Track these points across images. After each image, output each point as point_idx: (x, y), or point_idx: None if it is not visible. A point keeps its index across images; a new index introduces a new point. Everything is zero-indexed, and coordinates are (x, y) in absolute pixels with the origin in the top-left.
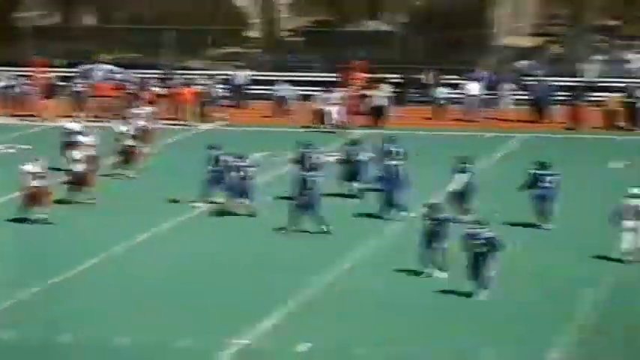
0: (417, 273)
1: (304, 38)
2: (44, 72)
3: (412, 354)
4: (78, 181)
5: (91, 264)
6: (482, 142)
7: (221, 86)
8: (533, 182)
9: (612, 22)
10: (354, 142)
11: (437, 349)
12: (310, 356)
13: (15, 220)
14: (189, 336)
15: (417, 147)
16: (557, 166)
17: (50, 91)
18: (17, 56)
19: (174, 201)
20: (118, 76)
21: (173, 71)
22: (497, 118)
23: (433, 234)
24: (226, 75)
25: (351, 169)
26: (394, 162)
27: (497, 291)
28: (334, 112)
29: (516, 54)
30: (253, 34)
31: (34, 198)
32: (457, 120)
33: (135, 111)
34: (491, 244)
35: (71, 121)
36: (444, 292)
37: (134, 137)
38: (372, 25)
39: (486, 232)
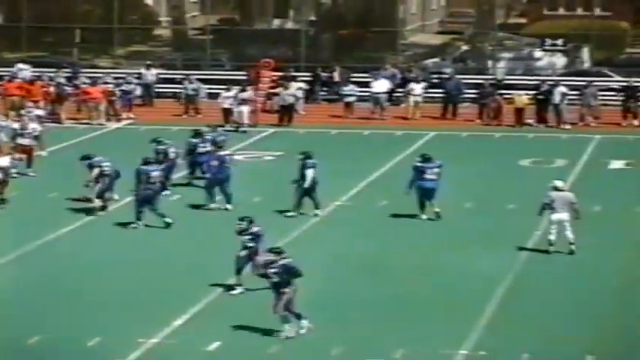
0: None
1: (212, 37)
2: None
3: (324, 352)
4: None
5: None
6: (392, 139)
7: (130, 85)
8: (418, 174)
9: (517, 21)
10: (197, 134)
11: (349, 348)
12: (220, 355)
13: None
14: (98, 335)
15: (327, 145)
16: (468, 163)
17: None
18: None
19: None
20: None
21: (80, 70)
22: (405, 117)
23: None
24: (135, 73)
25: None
26: (222, 152)
27: (402, 289)
28: (242, 110)
29: (424, 52)
30: (161, 32)
31: None
32: (366, 118)
33: (28, 111)
34: (288, 272)
35: None
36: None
37: (34, 137)
38: (279, 24)
39: (282, 260)
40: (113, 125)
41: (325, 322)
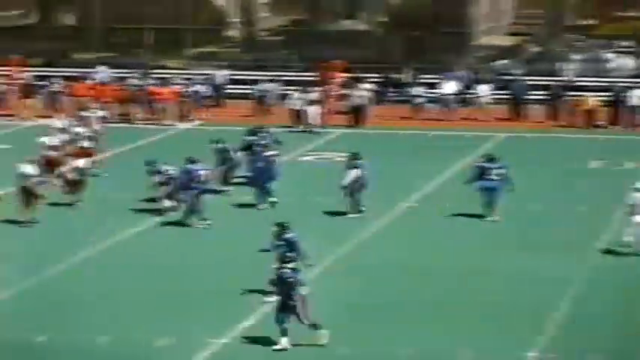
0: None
1: (282, 37)
2: (21, 71)
3: (393, 354)
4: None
5: (70, 264)
6: (462, 141)
7: (201, 86)
8: (480, 174)
9: (588, 22)
10: (253, 133)
11: (412, 350)
12: (288, 355)
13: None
14: (168, 335)
15: (395, 146)
16: (538, 165)
17: (28, 90)
18: None
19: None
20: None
21: (151, 71)
22: (475, 118)
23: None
24: (205, 74)
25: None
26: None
27: (466, 291)
28: (312, 111)
29: (494, 53)
30: (232, 33)
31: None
32: (434, 119)
33: (86, 113)
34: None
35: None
36: (415, 294)
37: (90, 138)
38: (349, 25)
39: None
40: (183, 126)
41: (392, 324)
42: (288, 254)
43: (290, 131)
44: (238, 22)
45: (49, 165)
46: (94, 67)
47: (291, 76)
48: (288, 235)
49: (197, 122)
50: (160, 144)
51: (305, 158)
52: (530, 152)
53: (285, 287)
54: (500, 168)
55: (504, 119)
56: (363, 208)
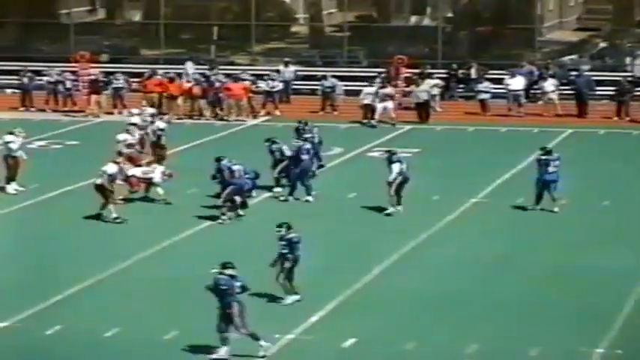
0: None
1: (349, 33)
2: (89, 68)
3: (459, 350)
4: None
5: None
6: (529, 136)
7: (270, 81)
8: (543, 167)
9: None
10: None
11: (478, 346)
12: (355, 351)
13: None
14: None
15: (463, 142)
16: (605, 160)
17: (95, 87)
18: (62, 52)
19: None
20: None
21: (218, 67)
22: (541, 114)
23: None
24: (273, 70)
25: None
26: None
27: (533, 286)
28: (383, 107)
29: (561, 49)
30: (298, 29)
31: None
32: (502, 115)
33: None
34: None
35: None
36: (484, 290)
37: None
38: (416, 20)
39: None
40: (251, 122)
41: (457, 321)
42: (288, 255)
43: (358, 126)
44: (305, 18)
45: (129, 162)
46: (160, 63)
47: (357, 71)
48: (290, 236)
49: (265, 118)
50: (228, 139)
51: (372, 154)
52: (597, 147)
53: (220, 294)
54: (556, 160)
55: (571, 115)
56: (400, 208)
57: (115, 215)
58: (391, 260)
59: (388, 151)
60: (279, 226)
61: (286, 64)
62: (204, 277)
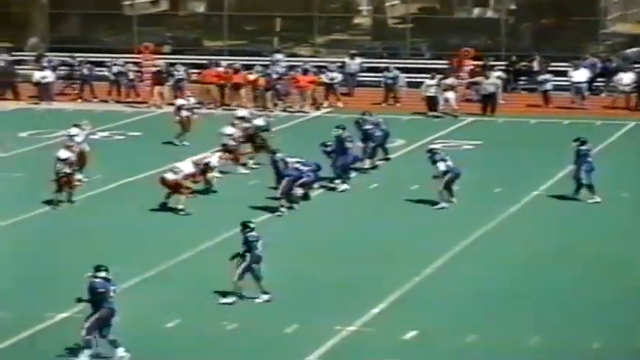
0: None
1: (412, 25)
2: (152, 59)
3: (521, 343)
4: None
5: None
6: (592, 129)
7: (333, 73)
8: (584, 157)
9: None
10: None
11: (538, 339)
12: (416, 343)
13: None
14: (296, 322)
15: (526, 134)
16: None
17: (159, 78)
18: (125, 44)
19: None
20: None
21: (280, 58)
22: (606, 106)
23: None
24: (336, 62)
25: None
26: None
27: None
28: (448, 98)
29: (625, 41)
30: (361, 20)
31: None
32: (565, 107)
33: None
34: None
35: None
36: (546, 283)
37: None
38: (479, 12)
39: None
40: (314, 113)
41: (519, 314)
42: (245, 254)
43: (420, 118)
44: (368, 10)
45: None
46: (224, 55)
47: (419, 63)
48: (247, 234)
49: (327, 110)
50: (290, 131)
51: (434, 146)
52: None
53: (95, 298)
54: (590, 150)
55: (635, 108)
56: (454, 199)
57: (181, 206)
58: (453, 252)
59: (430, 151)
60: (246, 225)
61: (352, 56)
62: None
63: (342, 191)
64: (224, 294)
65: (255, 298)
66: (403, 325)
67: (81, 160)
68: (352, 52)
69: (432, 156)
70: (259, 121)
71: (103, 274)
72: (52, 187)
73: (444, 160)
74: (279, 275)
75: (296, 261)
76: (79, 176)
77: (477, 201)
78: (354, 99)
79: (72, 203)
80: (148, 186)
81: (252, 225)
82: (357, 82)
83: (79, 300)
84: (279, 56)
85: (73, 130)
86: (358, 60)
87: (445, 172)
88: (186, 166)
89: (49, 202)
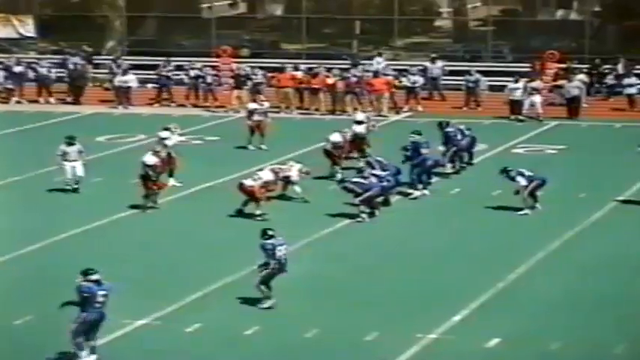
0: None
1: (493, 28)
2: (231, 63)
3: (607, 350)
4: None
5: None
6: None
7: (413, 76)
8: None
9: None
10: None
11: (624, 346)
12: (500, 351)
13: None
14: (376, 330)
15: (610, 139)
16: None
17: (237, 81)
18: (203, 47)
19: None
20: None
21: (361, 61)
22: None
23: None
24: (416, 65)
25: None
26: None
27: None
28: (534, 102)
29: None
30: (442, 23)
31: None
32: None
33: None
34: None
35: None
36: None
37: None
38: (562, 14)
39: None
40: (393, 117)
41: (604, 321)
42: (265, 261)
43: (502, 122)
44: (449, 12)
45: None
46: (302, 58)
47: (501, 66)
48: (263, 242)
49: (407, 114)
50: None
51: (517, 150)
52: None
53: (81, 301)
54: None
55: None
56: (538, 205)
57: (258, 212)
58: (536, 259)
59: (503, 171)
60: (264, 232)
61: (433, 59)
62: (333, 278)
63: (414, 198)
64: (259, 300)
65: (267, 306)
66: (485, 332)
67: (171, 164)
68: (433, 55)
69: (507, 174)
70: (360, 129)
71: (94, 277)
72: (140, 191)
73: (522, 174)
74: (359, 281)
75: (376, 267)
76: (171, 181)
77: (560, 207)
78: (435, 103)
79: (156, 207)
80: (226, 192)
81: (270, 232)
82: (443, 86)
83: (66, 304)
84: (378, 59)
85: (164, 133)
86: (440, 63)
87: (528, 184)
88: (265, 174)
89: (136, 207)
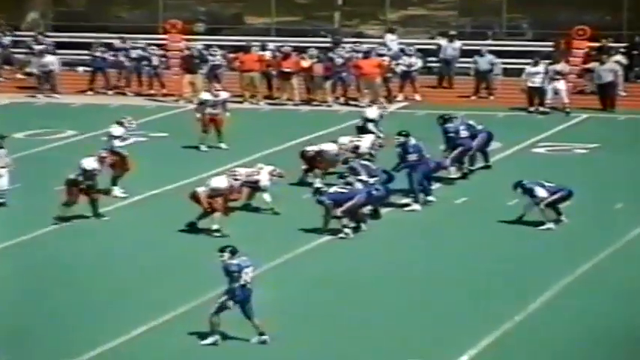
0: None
1: None
2: (181, 41)
3: None
4: None
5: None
6: None
7: (406, 58)
8: None
9: None
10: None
11: None
12: None
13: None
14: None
15: None
16: None
17: (189, 64)
18: (148, 21)
19: None
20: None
21: (343, 39)
22: None
23: None
24: (415, 43)
25: None
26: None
27: None
28: (558, 89)
29: None
30: None
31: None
32: None
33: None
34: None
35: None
36: None
37: None
38: None
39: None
40: (390, 107)
41: None
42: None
43: (520, 114)
44: None
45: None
46: (270, 35)
47: (518, 46)
48: (227, 262)
49: (401, 104)
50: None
51: (538, 150)
52: None
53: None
54: None
55: None
56: (564, 218)
57: (215, 226)
58: (563, 284)
59: (517, 185)
60: (221, 250)
61: (450, 38)
62: (307, 308)
63: (410, 210)
64: (204, 335)
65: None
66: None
67: (121, 167)
68: (451, 33)
69: (523, 188)
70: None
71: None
72: (63, 199)
73: (541, 185)
74: (340, 313)
75: (361, 295)
76: (115, 190)
77: (592, 220)
78: (437, 91)
79: (99, 217)
80: (176, 201)
81: (232, 250)
82: (450, 70)
83: None
84: (390, 37)
85: (116, 131)
86: (458, 43)
87: (549, 196)
88: (217, 181)
89: (60, 219)
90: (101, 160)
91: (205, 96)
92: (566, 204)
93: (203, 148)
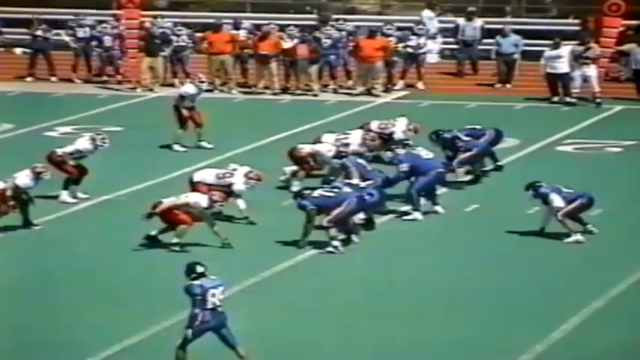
0: None
1: None
2: (140, 17)
3: None
4: None
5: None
6: None
7: (421, 39)
8: None
9: None
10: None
11: None
12: None
13: None
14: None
15: None
16: None
17: (149, 45)
18: None
19: None
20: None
21: (331, 16)
22: None
23: None
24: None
25: None
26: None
27: None
28: (587, 76)
29: None
30: None
31: None
32: None
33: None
34: None
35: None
36: None
37: None
38: None
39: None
40: (383, 98)
41: None
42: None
43: (542, 106)
44: None
45: None
46: (245, 11)
47: (539, 24)
48: (189, 283)
49: (400, 93)
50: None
51: (562, 148)
52: None
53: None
54: None
55: None
56: (593, 228)
57: (175, 240)
58: (591, 309)
59: (530, 186)
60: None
61: (469, 16)
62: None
63: (411, 219)
64: None
65: None
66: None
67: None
68: (470, 8)
69: (536, 192)
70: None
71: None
72: None
73: (558, 191)
74: (328, 341)
75: (353, 319)
76: (63, 195)
77: (626, 232)
78: (441, 78)
79: (31, 227)
80: (131, 206)
81: (199, 269)
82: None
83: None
84: (429, 13)
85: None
86: (479, 22)
87: (565, 205)
88: (199, 198)
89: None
90: (37, 174)
91: (189, 90)
92: (589, 213)
93: (177, 147)
